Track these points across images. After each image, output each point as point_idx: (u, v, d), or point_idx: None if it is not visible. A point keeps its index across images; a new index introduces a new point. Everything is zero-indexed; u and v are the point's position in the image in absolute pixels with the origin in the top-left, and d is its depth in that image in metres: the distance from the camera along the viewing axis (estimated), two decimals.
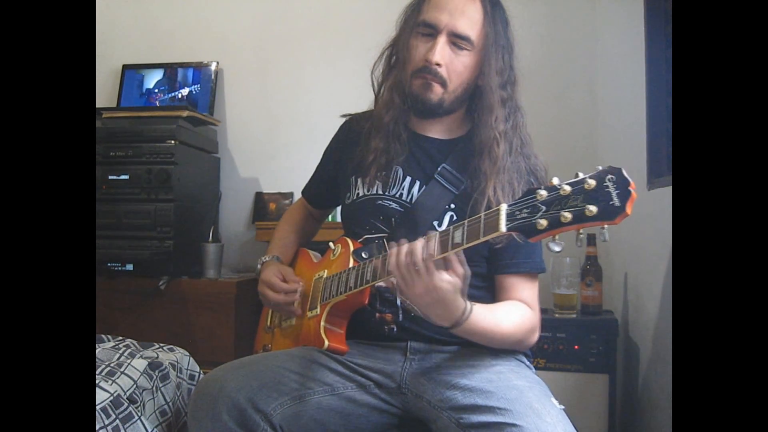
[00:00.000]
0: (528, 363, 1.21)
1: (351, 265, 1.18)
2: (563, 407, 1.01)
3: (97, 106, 2.53)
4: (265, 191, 2.69)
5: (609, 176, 0.80)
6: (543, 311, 1.95)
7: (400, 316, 1.18)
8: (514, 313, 1.12)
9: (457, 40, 1.17)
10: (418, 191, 1.21)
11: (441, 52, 1.16)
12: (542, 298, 1.92)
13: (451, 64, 1.17)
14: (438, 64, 1.16)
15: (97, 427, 1.14)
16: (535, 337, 1.16)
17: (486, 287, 1.20)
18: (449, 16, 1.16)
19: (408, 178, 1.23)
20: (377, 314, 1.19)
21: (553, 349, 1.88)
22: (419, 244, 0.96)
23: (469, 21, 1.17)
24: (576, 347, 1.87)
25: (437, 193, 1.19)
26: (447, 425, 1.01)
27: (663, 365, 1.61)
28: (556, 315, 1.95)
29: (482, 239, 0.91)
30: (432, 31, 1.17)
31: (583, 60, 2.48)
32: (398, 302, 1.18)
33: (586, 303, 1.96)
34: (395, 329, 1.18)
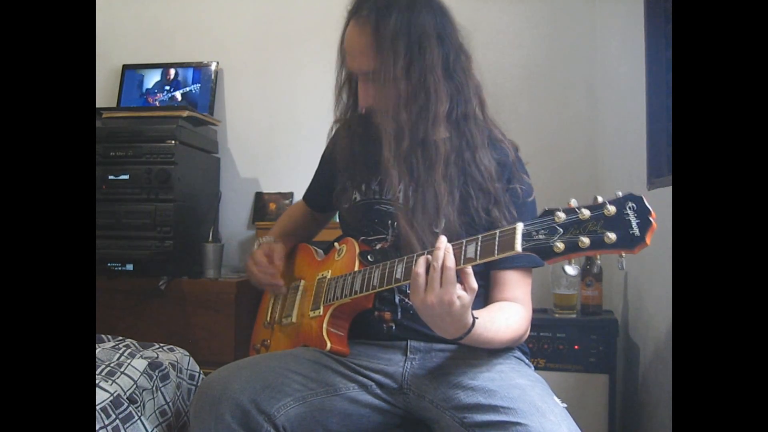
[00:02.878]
0: (527, 361, 1.21)
1: (356, 268, 1.18)
2: (565, 405, 1.02)
3: (97, 106, 2.53)
4: (265, 191, 2.69)
5: (630, 204, 0.81)
6: (543, 311, 1.98)
7: (399, 314, 1.18)
8: (513, 319, 1.12)
9: (369, 77, 1.15)
10: (413, 194, 1.21)
11: (364, 97, 1.16)
12: (542, 298, 1.93)
13: (379, 98, 1.15)
14: (369, 107, 1.17)
15: (97, 427, 1.14)
16: (527, 335, 1.17)
17: (483, 286, 1.20)
18: (353, 59, 1.16)
19: (403, 181, 1.23)
20: (376, 312, 1.19)
21: (553, 349, 1.88)
22: (439, 254, 0.95)
23: (365, 55, 1.13)
24: (576, 347, 1.87)
25: (431, 195, 1.19)
26: (450, 425, 1.01)
27: (663, 365, 1.61)
28: (556, 315, 1.95)
29: (497, 257, 0.92)
30: (355, 76, 1.19)
31: (583, 60, 2.48)
32: (397, 300, 1.18)
33: (586, 303, 1.96)
34: (394, 327, 1.18)
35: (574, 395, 1.81)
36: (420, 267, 0.96)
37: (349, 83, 1.25)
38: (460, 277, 0.95)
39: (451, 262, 0.94)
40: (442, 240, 0.97)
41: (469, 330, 0.99)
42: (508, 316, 1.12)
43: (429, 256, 0.97)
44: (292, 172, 2.62)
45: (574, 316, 1.94)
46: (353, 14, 1.16)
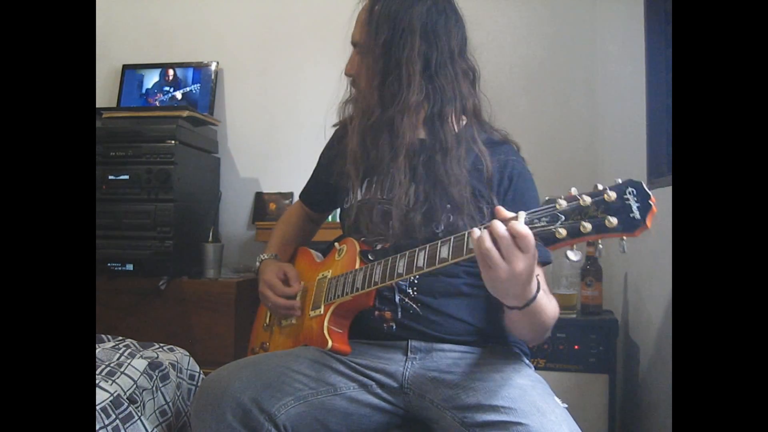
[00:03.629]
0: (527, 362, 1.21)
1: (357, 266, 1.18)
2: (566, 405, 1.02)
3: (97, 106, 2.53)
4: (265, 191, 2.69)
5: (629, 189, 0.82)
6: None
7: (399, 313, 1.18)
8: (550, 296, 1.10)
9: (357, 48, 1.24)
10: (415, 193, 1.21)
11: (349, 63, 1.25)
12: None
13: (360, 70, 1.23)
14: (349, 75, 1.25)
15: (97, 427, 1.14)
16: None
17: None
18: (353, 30, 1.25)
19: (404, 181, 1.23)
20: (376, 312, 1.19)
21: (553, 349, 1.88)
22: (518, 224, 0.89)
23: (358, 26, 1.23)
24: (576, 347, 1.87)
25: (434, 194, 1.18)
26: (451, 424, 1.01)
27: (663, 365, 1.62)
28: None
29: None
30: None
31: (583, 60, 2.48)
32: (397, 299, 1.18)
33: (586, 303, 1.97)
34: (394, 327, 1.18)
35: (574, 395, 1.81)
36: (487, 241, 0.89)
37: None
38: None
39: (520, 226, 0.88)
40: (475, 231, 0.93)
41: (538, 288, 0.98)
42: (546, 294, 1.09)
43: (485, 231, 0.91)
44: (292, 172, 2.62)
45: (574, 316, 1.94)
46: None
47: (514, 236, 0.88)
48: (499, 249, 0.89)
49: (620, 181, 0.84)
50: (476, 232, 0.92)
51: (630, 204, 0.81)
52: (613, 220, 0.81)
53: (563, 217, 0.86)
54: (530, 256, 0.89)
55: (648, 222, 0.80)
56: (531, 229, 0.88)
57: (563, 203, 0.86)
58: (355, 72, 1.24)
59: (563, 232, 0.85)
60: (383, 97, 1.17)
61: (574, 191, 0.87)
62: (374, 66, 1.18)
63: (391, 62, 1.17)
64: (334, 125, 1.38)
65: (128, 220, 2.24)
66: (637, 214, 0.80)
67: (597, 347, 1.85)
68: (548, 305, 1.05)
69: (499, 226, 0.89)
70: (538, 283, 0.99)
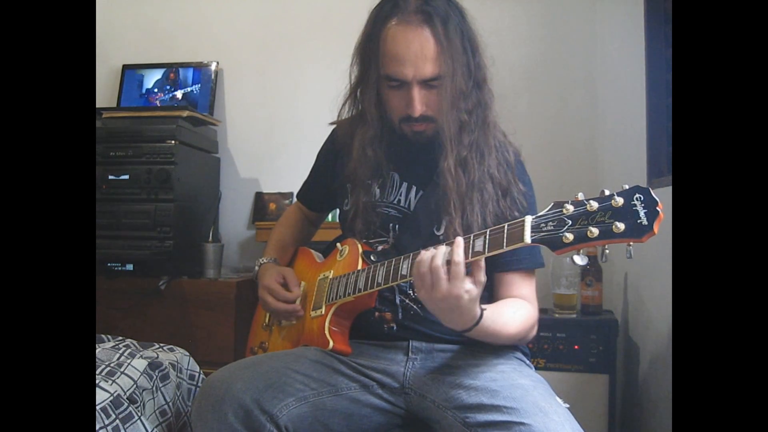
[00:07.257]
0: (528, 362, 1.21)
1: (360, 267, 1.18)
2: (568, 406, 1.02)
3: (97, 106, 2.53)
4: (265, 191, 2.69)
5: (636, 195, 0.83)
6: (543, 311, 1.97)
7: (400, 314, 1.18)
8: (519, 312, 1.12)
9: (428, 82, 1.12)
10: (416, 197, 1.21)
11: (419, 102, 1.13)
12: (542, 298, 1.93)
13: (431, 103, 1.14)
14: (426, 116, 1.15)
15: (97, 427, 1.14)
16: (535, 331, 1.17)
17: (486, 288, 1.19)
18: (412, 67, 1.11)
19: (405, 184, 1.23)
20: (376, 313, 1.19)
21: (553, 349, 1.88)
22: (443, 250, 0.95)
23: (431, 60, 1.10)
24: (576, 347, 1.87)
25: (435, 198, 1.19)
26: (452, 424, 1.01)
27: (663, 365, 1.62)
28: (556, 315, 1.95)
29: (505, 249, 0.93)
30: (400, 83, 1.14)
31: (583, 60, 2.48)
32: (397, 301, 1.18)
33: (586, 303, 1.97)
34: (395, 328, 1.18)
35: (574, 395, 1.81)
36: (424, 266, 0.96)
37: (375, 88, 1.19)
38: (471, 270, 0.96)
39: (458, 257, 0.94)
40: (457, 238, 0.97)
41: (477, 322, 0.99)
42: (515, 310, 1.12)
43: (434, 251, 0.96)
44: (292, 172, 2.61)
45: (574, 316, 1.94)
46: (399, 18, 1.12)
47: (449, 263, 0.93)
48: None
49: (627, 186, 0.84)
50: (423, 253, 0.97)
51: (637, 210, 0.82)
52: (621, 226, 0.82)
53: (570, 222, 0.87)
54: (454, 288, 0.93)
55: (655, 228, 0.81)
56: (538, 233, 0.89)
57: (570, 208, 0.87)
58: (432, 108, 1.14)
59: (570, 236, 0.86)
60: (472, 117, 1.15)
61: (581, 196, 0.87)
62: (462, 93, 1.13)
63: (473, 82, 1.15)
64: (332, 123, 1.37)
65: (128, 220, 2.24)
66: (644, 220, 0.81)
67: (597, 347, 1.86)
68: (503, 330, 1.07)
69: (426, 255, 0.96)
70: (480, 316, 1.00)
